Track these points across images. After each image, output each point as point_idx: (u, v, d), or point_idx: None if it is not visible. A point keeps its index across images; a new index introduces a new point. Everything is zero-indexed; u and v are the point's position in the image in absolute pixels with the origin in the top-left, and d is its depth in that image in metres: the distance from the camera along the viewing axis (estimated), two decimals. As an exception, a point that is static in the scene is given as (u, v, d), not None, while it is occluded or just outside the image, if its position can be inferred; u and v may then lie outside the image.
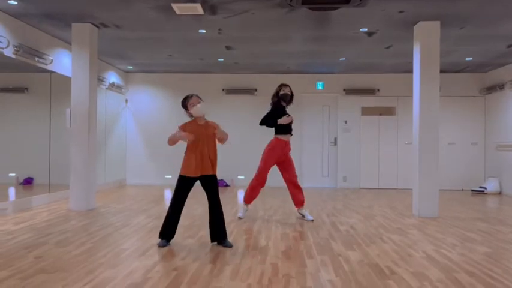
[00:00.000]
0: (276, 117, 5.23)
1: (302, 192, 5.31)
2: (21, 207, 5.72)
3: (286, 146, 5.27)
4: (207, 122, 3.93)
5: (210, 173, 3.85)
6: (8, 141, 5.94)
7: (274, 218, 5.42)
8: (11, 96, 6.12)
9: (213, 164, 3.87)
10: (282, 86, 5.35)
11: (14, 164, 6.06)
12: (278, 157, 5.23)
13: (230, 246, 3.83)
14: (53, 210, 5.71)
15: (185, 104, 3.88)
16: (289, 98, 5.35)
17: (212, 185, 3.89)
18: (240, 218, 5.27)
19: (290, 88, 5.37)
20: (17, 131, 6.07)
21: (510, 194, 8.17)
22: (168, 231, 3.88)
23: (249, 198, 5.33)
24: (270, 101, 5.40)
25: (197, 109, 3.81)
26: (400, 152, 9.29)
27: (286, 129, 5.27)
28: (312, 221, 5.19)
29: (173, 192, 3.91)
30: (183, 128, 3.83)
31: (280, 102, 5.31)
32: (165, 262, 3.32)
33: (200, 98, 3.88)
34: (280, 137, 5.25)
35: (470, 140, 9.24)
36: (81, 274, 2.98)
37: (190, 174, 3.81)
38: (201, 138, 3.82)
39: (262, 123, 5.29)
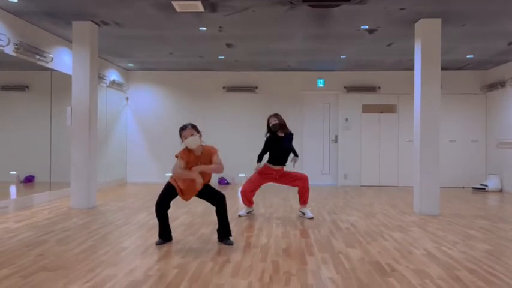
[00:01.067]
0: (266, 151, 5.32)
1: (308, 193, 5.37)
2: (22, 205, 5.73)
3: (277, 173, 5.31)
4: (204, 148, 3.83)
5: (194, 194, 3.88)
6: (8, 140, 5.94)
7: (275, 215, 5.42)
8: (12, 95, 6.12)
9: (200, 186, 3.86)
10: (269, 118, 5.31)
11: (14, 162, 6.06)
12: (267, 180, 5.35)
13: (231, 244, 3.84)
14: (54, 208, 5.72)
15: (180, 134, 3.79)
16: (279, 127, 5.25)
17: (208, 193, 3.92)
18: (239, 216, 5.28)
19: (278, 116, 5.29)
20: (18, 129, 6.07)
21: (511, 191, 8.17)
22: (162, 233, 3.91)
23: (245, 201, 5.40)
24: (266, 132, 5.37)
25: (187, 143, 3.73)
26: (401, 150, 9.28)
27: (276, 159, 5.28)
28: (312, 218, 5.20)
29: (159, 194, 3.91)
30: (180, 156, 3.78)
31: (274, 134, 5.27)
32: (166, 260, 3.33)
33: (195, 129, 3.77)
34: (270, 165, 5.32)
35: (471, 137, 9.23)
36: (83, 272, 2.98)
37: (178, 192, 3.88)
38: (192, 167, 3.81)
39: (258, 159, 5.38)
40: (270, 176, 5.33)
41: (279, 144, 5.27)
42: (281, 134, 5.29)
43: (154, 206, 3.93)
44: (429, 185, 5.59)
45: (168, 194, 3.89)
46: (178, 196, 3.92)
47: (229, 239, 3.90)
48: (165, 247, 3.73)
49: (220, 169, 3.80)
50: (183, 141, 3.76)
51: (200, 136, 3.79)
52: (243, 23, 5.84)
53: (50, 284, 2.73)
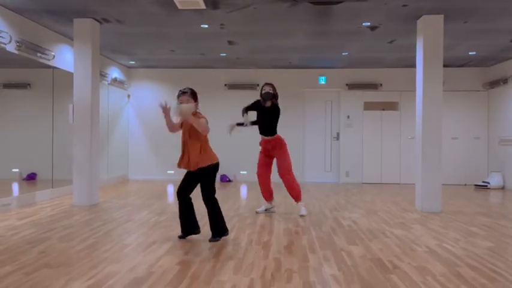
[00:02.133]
0: (247, 110, 5.30)
1: (293, 189, 5.24)
2: (24, 202, 5.74)
3: (269, 144, 5.30)
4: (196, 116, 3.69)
5: (191, 169, 3.76)
6: (11, 137, 5.95)
7: (277, 212, 5.42)
8: (14, 92, 6.12)
9: (194, 162, 3.71)
10: (264, 85, 5.28)
11: (17, 159, 6.08)
12: (266, 154, 5.38)
13: (215, 241, 3.81)
14: (56, 206, 5.73)
15: (177, 97, 3.72)
16: (271, 96, 5.20)
17: (200, 180, 3.83)
18: (257, 212, 5.34)
19: (273, 86, 5.25)
20: (20, 127, 6.08)
21: (513, 188, 8.16)
22: (182, 225, 3.93)
23: (264, 194, 5.40)
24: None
25: (180, 108, 3.57)
26: (403, 147, 9.27)
27: (261, 129, 5.31)
28: (303, 216, 5.16)
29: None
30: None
31: (263, 101, 5.25)
32: (168, 257, 3.33)
33: (193, 96, 3.68)
34: (261, 136, 5.37)
35: (473, 134, 9.21)
36: (85, 269, 2.99)
37: (178, 165, 3.84)
38: (184, 132, 3.77)
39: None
40: (266, 149, 5.32)
41: (263, 115, 5.24)
42: (268, 104, 5.22)
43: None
44: (431, 182, 5.59)
45: (183, 177, 3.88)
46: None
47: (215, 238, 3.84)
48: (168, 244, 3.73)
49: (203, 129, 3.62)
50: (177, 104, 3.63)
51: (196, 105, 3.70)
52: (244, 20, 5.83)
53: (52, 280, 2.74)
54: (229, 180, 9.33)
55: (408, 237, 4.08)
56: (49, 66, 6.39)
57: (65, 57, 6.81)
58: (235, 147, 9.12)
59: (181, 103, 3.64)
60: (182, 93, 3.73)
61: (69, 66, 6.74)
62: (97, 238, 3.92)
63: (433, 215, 5.36)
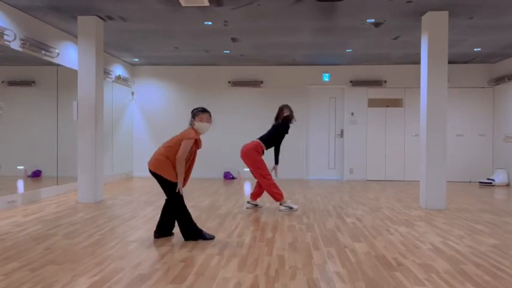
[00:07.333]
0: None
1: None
2: (30, 199, 5.78)
3: None
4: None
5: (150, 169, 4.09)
6: (16, 134, 5.98)
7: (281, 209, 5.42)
8: (19, 90, 6.14)
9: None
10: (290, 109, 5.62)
11: (22, 156, 6.10)
12: None
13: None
14: (62, 202, 5.76)
15: (197, 115, 3.79)
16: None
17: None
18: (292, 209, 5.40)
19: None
20: (25, 124, 6.11)
21: (518, 185, 8.11)
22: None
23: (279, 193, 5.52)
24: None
25: (205, 127, 3.79)
26: (407, 144, 9.24)
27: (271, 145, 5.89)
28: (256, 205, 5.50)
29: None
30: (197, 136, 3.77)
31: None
32: (173, 253, 3.35)
33: (211, 118, 3.86)
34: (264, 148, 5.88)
35: (478, 131, 9.16)
36: (90, 265, 3.01)
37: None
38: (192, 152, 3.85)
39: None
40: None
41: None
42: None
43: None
44: (435, 179, 5.57)
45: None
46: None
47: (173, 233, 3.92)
48: (172, 241, 3.75)
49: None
50: (199, 121, 3.75)
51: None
52: (248, 17, 5.82)
53: (58, 277, 2.76)
54: (233, 178, 9.34)
55: (412, 235, 4.07)
56: (53, 64, 6.41)
57: (69, 54, 6.83)
58: (239, 145, 9.11)
59: (208, 121, 3.82)
60: (205, 111, 3.84)
61: (74, 64, 6.76)
62: (102, 235, 3.94)
63: (438, 212, 5.35)
